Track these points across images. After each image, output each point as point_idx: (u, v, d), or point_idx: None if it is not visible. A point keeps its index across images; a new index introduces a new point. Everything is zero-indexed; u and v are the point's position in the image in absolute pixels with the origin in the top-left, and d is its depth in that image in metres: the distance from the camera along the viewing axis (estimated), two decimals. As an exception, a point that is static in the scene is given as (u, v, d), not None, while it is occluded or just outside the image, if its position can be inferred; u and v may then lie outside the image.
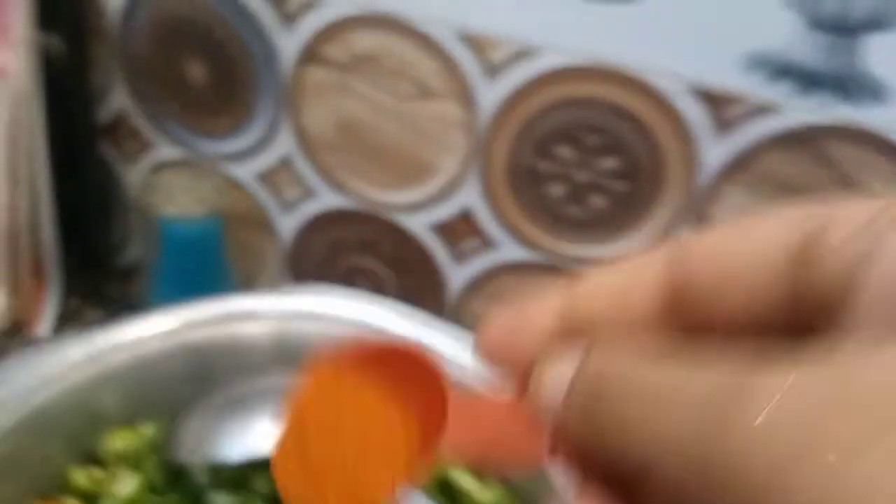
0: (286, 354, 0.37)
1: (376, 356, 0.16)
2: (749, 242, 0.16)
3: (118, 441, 0.34)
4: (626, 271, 0.17)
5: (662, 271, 0.16)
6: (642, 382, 0.14)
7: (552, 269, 0.60)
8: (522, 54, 0.54)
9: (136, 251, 0.75)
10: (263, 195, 0.67)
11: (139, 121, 0.68)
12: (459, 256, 0.63)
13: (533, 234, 0.60)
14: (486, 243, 0.62)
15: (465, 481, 0.36)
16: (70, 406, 0.32)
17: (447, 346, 0.36)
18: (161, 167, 0.67)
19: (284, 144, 0.64)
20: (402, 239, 0.64)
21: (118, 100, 0.68)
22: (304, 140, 0.63)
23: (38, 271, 0.66)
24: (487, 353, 0.16)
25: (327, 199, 0.65)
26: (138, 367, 0.34)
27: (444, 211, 0.62)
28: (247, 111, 0.63)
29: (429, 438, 0.16)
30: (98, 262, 0.72)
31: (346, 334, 0.37)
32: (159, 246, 0.65)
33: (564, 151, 0.56)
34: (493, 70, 0.56)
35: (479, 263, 0.63)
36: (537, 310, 0.16)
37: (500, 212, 0.60)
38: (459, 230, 0.62)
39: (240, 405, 0.33)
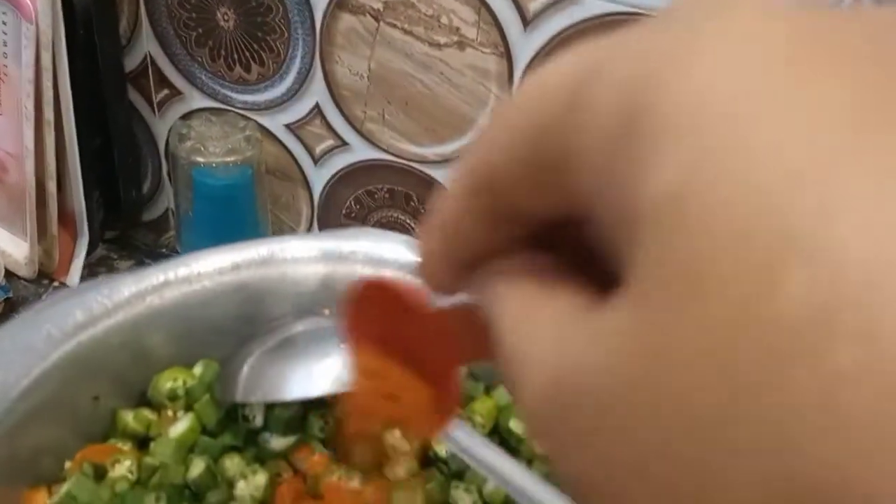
0: (333, 295, 0.36)
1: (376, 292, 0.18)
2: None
3: (169, 380, 0.34)
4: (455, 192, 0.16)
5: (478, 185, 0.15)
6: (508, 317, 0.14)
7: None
8: (561, 1, 0.53)
9: (167, 200, 0.74)
10: (294, 146, 0.66)
11: (168, 69, 0.67)
12: (492, 210, 0.62)
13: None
14: (521, 197, 0.61)
15: (517, 426, 0.35)
16: (118, 344, 0.32)
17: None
18: (191, 116, 0.66)
19: (316, 95, 0.63)
20: (434, 193, 0.63)
21: (146, 46, 0.66)
22: (336, 90, 0.62)
23: (67, 220, 0.65)
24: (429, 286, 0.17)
25: (359, 151, 0.64)
26: (187, 306, 0.34)
27: (478, 164, 0.61)
28: (278, 60, 0.62)
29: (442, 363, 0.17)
30: (128, 211, 0.71)
31: (392, 275, 0.36)
32: (190, 195, 0.64)
33: (604, 103, 0.55)
34: (530, 18, 0.54)
35: (513, 217, 0.62)
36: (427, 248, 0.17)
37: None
38: (493, 183, 0.61)
39: (291, 346, 0.32)
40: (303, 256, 0.36)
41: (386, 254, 0.36)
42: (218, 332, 0.35)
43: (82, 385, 0.31)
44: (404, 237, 0.38)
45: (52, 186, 0.63)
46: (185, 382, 0.34)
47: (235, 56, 0.64)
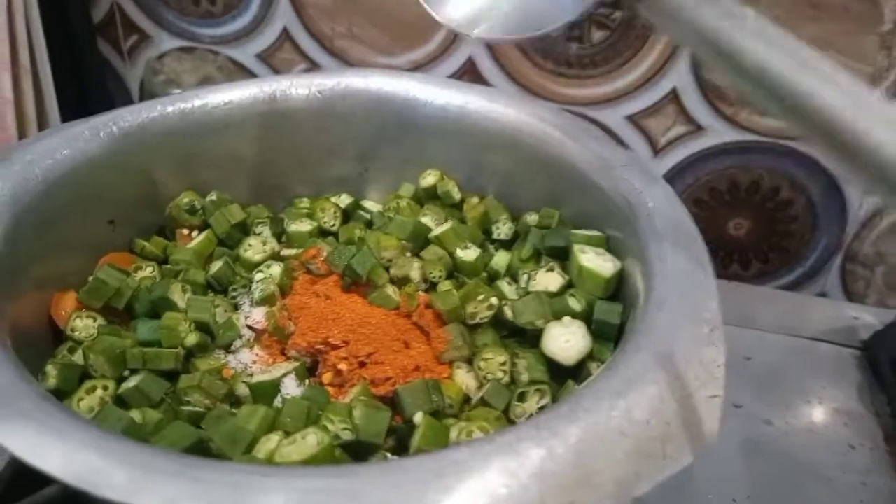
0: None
1: None
2: None
3: (186, 197, 0.35)
4: None
5: None
6: None
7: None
8: None
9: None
10: (266, 74, 0.67)
11: (135, 13, 0.68)
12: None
13: (535, 80, 0.61)
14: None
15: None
16: (133, 168, 0.33)
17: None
18: (161, 59, 0.67)
19: (282, 18, 0.64)
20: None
21: (111, -5, 0.68)
22: (302, 10, 0.63)
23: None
24: None
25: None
26: (187, 134, 0.35)
27: (449, 67, 0.63)
28: (242, -11, 0.64)
29: None
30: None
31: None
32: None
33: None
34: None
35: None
36: None
37: (502, 60, 0.61)
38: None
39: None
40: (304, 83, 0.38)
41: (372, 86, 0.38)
42: (219, 168, 0.37)
43: (97, 205, 0.32)
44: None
45: (33, 132, 0.64)
46: (199, 203, 0.35)
47: (200, -11, 0.65)
